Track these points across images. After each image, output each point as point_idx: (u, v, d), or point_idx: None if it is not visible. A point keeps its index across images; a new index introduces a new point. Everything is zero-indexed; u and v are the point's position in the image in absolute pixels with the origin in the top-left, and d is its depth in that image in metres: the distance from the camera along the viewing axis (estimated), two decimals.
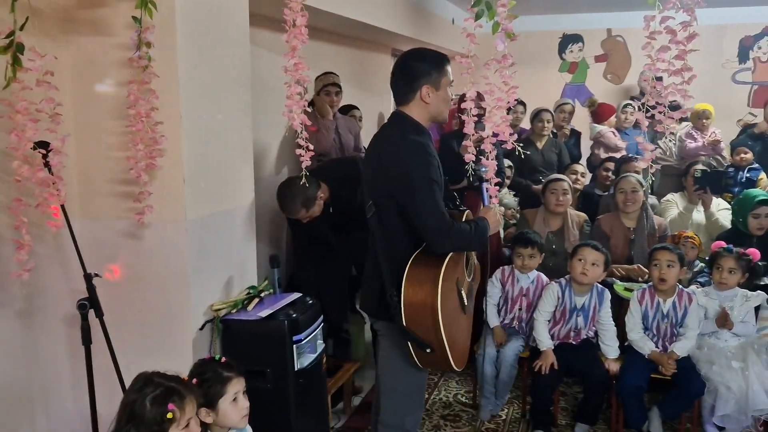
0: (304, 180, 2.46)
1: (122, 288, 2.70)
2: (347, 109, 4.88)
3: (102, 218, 2.69)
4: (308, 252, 3.91)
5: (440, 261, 2.29)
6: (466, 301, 2.48)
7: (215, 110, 2.79)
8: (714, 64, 7.23)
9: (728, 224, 4.48)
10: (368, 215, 2.40)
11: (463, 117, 2.29)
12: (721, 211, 4.63)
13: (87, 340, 2.40)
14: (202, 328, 2.75)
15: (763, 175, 5.16)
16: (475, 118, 2.27)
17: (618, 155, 5.63)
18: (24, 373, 2.55)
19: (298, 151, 2.43)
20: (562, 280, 3.41)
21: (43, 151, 2.03)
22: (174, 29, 2.50)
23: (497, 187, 2.25)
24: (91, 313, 2.41)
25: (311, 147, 2.44)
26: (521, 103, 6.19)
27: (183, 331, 2.70)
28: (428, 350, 2.25)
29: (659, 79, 6.86)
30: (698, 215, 4.64)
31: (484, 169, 2.56)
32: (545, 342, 3.34)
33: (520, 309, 3.67)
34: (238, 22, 2.95)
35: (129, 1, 2.45)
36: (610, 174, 5.22)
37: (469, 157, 2.35)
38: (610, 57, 7.59)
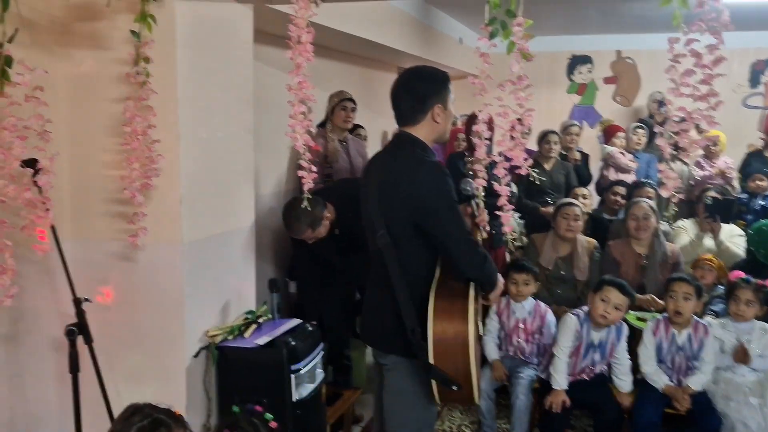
0: (305, 203, 2.35)
1: (113, 312, 2.59)
2: (352, 128, 4.78)
3: (95, 239, 2.58)
4: (311, 273, 3.79)
5: (465, 292, 2.19)
6: (482, 331, 2.36)
7: (216, 129, 2.69)
8: (724, 88, 7.14)
9: (741, 252, 4.36)
10: (379, 243, 2.26)
11: (474, 140, 2.18)
12: (735, 237, 4.50)
13: (75, 367, 2.28)
14: (196, 355, 2.63)
15: None
16: (487, 141, 2.17)
17: (629, 177, 5.53)
18: (8, 400, 2.43)
19: (300, 173, 2.31)
20: (580, 313, 3.25)
21: (32, 170, 1.93)
22: (174, 44, 2.41)
23: (510, 213, 2.13)
24: (80, 339, 2.30)
25: (314, 169, 2.33)
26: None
27: (176, 358, 2.58)
28: (454, 387, 2.14)
29: (662, 103, 6.70)
30: (709, 242, 4.52)
31: (468, 187, 2.46)
32: (560, 382, 3.18)
33: (518, 340, 3.53)
34: (242, 38, 2.86)
35: (128, 15, 2.36)
36: (618, 198, 5.10)
37: (480, 182, 2.24)
38: (619, 79, 7.51)
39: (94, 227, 2.57)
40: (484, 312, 3.17)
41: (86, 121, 2.54)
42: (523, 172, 2.09)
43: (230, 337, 2.73)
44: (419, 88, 2.32)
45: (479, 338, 2.44)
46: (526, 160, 2.09)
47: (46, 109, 1.91)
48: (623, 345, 3.27)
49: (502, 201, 2.14)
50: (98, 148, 2.53)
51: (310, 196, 2.36)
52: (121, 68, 2.44)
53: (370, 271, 2.50)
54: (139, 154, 2.27)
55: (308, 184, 2.33)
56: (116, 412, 2.41)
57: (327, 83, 4.65)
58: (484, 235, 2.50)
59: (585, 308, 3.28)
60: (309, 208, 2.65)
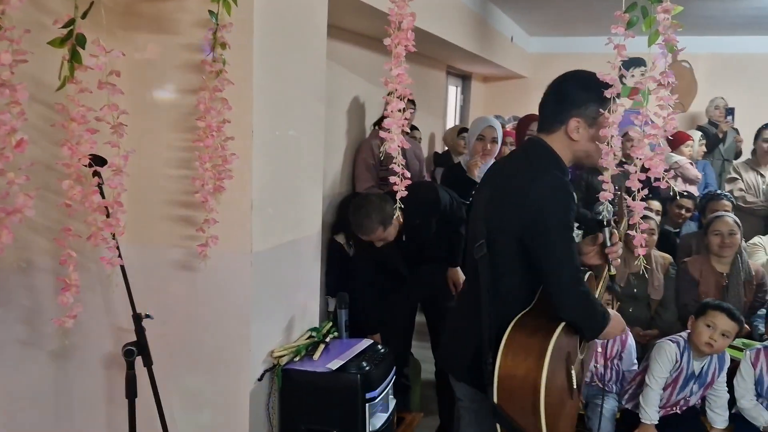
0: (397, 213, 2.06)
1: (172, 328, 2.31)
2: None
3: (154, 245, 2.31)
4: (374, 283, 3.51)
5: (552, 328, 1.85)
6: (575, 383, 2.01)
7: (288, 125, 2.41)
8: None
9: None
10: (476, 254, 1.98)
11: (602, 146, 1.88)
12: None
13: (132, 392, 2.01)
14: (261, 378, 2.36)
15: None
16: (617, 149, 1.87)
17: (694, 188, 5.20)
18: (53, 422, 2.16)
19: (393, 179, 2.03)
20: (681, 340, 2.92)
21: (100, 170, 1.65)
22: (251, 30, 2.14)
23: (645, 236, 1.83)
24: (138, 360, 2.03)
25: (407, 174, 2.05)
26: None
27: (240, 380, 2.31)
28: None
29: (729, 111, 6.34)
30: None
31: (605, 211, 2.08)
32: (652, 415, 2.87)
33: (596, 366, 3.23)
34: (317, 28, 2.58)
35: None
36: (683, 212, 4.76)
37: (606, 195, 1.93)
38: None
39: (154, 232, 2.30)
40: None
41: (148, 114, 2.26)
42: (663, 185, 1.80)
43: (297, 359, 2.45)
44: (564, 92, 2.01)
45: (570, 391, 2.03)
46: (666, 171, 1.80)
47: (120, 98, 1.63)
48: (724, 376, 2.95)
49: (636, 219, 1.84)
50: (161, 144, 2.25)
51: (402, 206, 2.07)
52: (190, 55, 2.17)
53: (464, 285, 2.23)
54: (212, 153, 1.99)
55: (401, 192, 2.05)
56: None
57: (376, 78, 4.35)
58: (613, 270, 2.14)
59: (684, 334, 2.96)
60: (392, 214, 2.35)
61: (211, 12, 1.93)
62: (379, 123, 4.14)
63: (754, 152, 5.36)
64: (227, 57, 2.01)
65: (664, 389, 2.89)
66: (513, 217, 1.92)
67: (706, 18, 5.94)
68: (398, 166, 2.03)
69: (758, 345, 3.06)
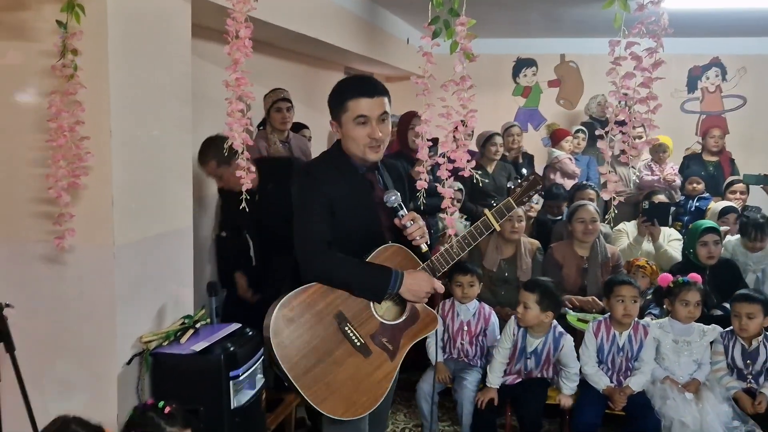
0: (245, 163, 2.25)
1: (39, 318, 2.45)
2: (297, 128, 4.70)
3: (19, 240, 2.44)
4: (247, 275, 3.75)
5: (293, 289, 2.23)
6: (362, 341, 2.25)
7: (151, 126, 2.58)
8: (663, 92, 7.33)
9: (678, 255, 4.43)
10: None
11: (417, 141, 2.14)
12: (672, 242, 4.57)
13: None
14: (129, 363, 2.52)
15: (712, 204, 5.18)
16: (430, 143, 2.13)
17: (573, 182, 5.60)
18: None
19: (239, 173, 2.23)
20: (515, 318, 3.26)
21: None
22: (105, 36, 2.30)
23: (453, 217, 2.10)
24: (1, 347, 2.17)
25: (252, 168, 2.25)
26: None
27: (108, 365, 2.47)
28: (286, 384, 2.19)
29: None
30: (648, 246, 4.58)
31: (393, 198, 2.29)
32: (493, 381, 3.21)
33: (462, 342, 3.52)
34: (179, 32, 2.75)
35: (55, 4, 2.24)
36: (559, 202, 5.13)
37: (422, 184, 2.19)
38: (563, 82, 7.61)
39: (19, 227, 2.43)
40: None
41: (9, 116, 2.40)
42: (466, 174, 2.06)
43: (165, 343, 2.62)
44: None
45: (358, 348, 2.25)
46: (468, 161, 2.07)
47: None
48: (566, 353, 3.26)
49: (446, 203, 2.10)
50: (22, 145, 2.39)
51: (248, 197, 2.27)
52: (49, 61, 2.31)
53: None
54: (66, 152, 2.15)
55: (247, 184, 2.25)
56: (41, 425, 2.28)
57: (271, 81, 4.55)
58: (424, 248, 2.30)
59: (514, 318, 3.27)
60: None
61: (59, 22, 2.09)
62: (263, 124, 4.32)
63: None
64: (81, 62, 2.17)
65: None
66: None
67: (587, 22, 6.37)
68: (244, 161, 2.24)
69: (600, 317, 3.40)
